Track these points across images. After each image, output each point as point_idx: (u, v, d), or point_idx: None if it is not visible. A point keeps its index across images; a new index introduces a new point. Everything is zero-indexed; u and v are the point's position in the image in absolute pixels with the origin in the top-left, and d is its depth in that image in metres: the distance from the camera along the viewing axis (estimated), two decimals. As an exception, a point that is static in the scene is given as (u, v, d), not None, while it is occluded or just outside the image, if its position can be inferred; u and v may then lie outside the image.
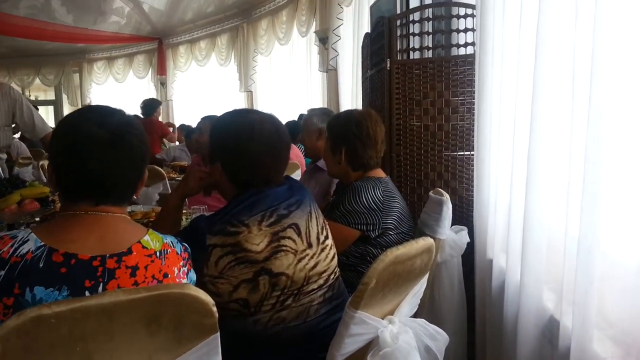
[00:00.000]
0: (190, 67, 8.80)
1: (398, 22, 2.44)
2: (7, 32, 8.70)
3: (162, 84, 9.14)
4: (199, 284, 1.29)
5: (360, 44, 4.45)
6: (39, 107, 7.24)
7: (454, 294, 1.94)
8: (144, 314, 0.80)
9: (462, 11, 2.36)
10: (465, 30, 2.35)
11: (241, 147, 1.36)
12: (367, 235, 1.83)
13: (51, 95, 11.53)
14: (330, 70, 5.17)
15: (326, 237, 1.45)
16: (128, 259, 1.01)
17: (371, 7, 2.94)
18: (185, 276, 1.13)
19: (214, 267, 1.29)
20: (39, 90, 11.73)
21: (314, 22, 5.56)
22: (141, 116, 6.33)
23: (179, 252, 1.13)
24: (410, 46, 2.45)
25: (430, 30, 2.42)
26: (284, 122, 4.65)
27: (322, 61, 5.36)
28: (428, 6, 2.41)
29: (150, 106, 6.33)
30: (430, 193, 1.99)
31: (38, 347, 0.74)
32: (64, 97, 10.74)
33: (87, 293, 0.95)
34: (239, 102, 7.74)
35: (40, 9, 7.81)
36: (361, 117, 1.95)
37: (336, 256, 1.47)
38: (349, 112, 2.05)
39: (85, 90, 10.42)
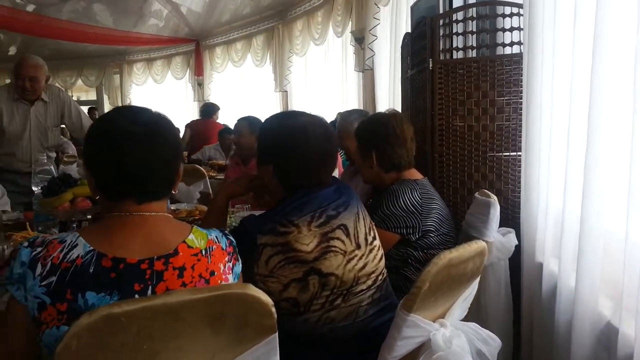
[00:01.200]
0: (227, 68, 8.92)
1: (441, 22, 2.40)
2: (51, 35, 9.03)
3: (199, 85, 9.30)
4: (250, 282, 1.32)
5: (398, 43, 4.43)
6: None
7: (500, 298, 1.90)
8: (208, 313, 0.82)
9: (507, 10, 2.31)
10: (511, 29, 2.30)
11: (294, 149, 1.38)
12: (408, 238, 1.82)
13: (92, 96, 11.90)
14: (366, 70, 5.15)
15: (374, 238, 1.45)
16: (175, 260, 1.02)
17: (412, 7, 2.91)
18: (231, 271, 1.13)
19: (264, 266, 1.31)
20: (80, 90, 12.11)
21: (350, 22, 5.54)
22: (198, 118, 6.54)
23: (224, 247, 1.13)
24: (454, 46, 2.41)
25: (474, 30, 2.38)
26: None
27: (358, 61, 5.34)
28: (472, 5, 2.37)
29: (210, 109, 6.57)
30: (476, 194, 1.96)
31: (109, 344, 0.76)
32: (105, 97, 11.06)
33: (136, 297, 0.97)
34: (274, 102, 7.81)
35: (82, 12, 8.07)
36: (386, 119, 1.95)
37: (384, 257, 1.47)
38: (373, 116, 2.07)
39: (125, 90, 10.71)
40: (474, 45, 2.39)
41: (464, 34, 2.39)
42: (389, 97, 4.51)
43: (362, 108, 5.34)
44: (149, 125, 1.05)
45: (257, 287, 1.30)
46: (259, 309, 0.86)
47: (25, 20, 8.24)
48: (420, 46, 2.62)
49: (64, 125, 3.43)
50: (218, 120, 6.67)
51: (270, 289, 1.31)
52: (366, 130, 1.96)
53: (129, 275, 0.97)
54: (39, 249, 0.98)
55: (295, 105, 7.52)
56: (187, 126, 6.53)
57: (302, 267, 1.30)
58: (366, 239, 1.41)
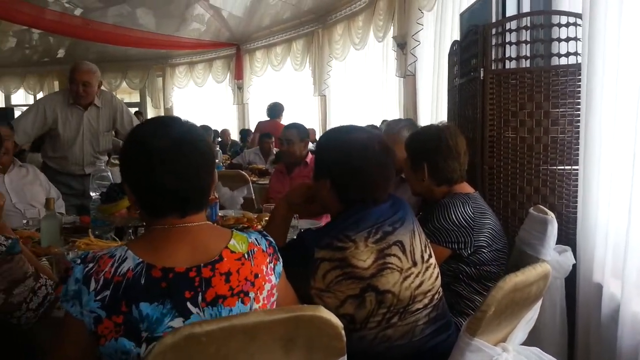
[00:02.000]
0: (266, 72, 9.03)
1: (493, 31, 2.36)
2: (97, 39, 9.35)
3: (239, 88, 9.44)
4: (306, 295, 1.33)
5: (443, 50, 4.38)
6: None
7: (555, 319, 1.85)
8: (282, 334, 0.83)
9: (563, 20, 2.25)
10: (567, 39, 2.23)
11: (354, 166, 1.38)
12: (459, 253, 1.79)
13: (136, 98, 12.23)
14: (408, 75, 5.11)
15: (430, 256, 1.43)
16: (220, 265, 1.05)
17: (461, 15, 2.87)
18: (273, 271, 1.15)
19: (321, 281, 1.32)
20: (124, 92, 12.46)
21: (392, 27, 5.51)
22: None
23: (265, 249, 1.15)
24: (506, 55, 2.36)
25: (528, 39, 2.33)
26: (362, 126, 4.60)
27: (399, 66, 5.31)
28: (526, 14, 2.32)
29: (275, 109, 6.47)
30: (531, 210, 1.91)
31: (189, 363, 0.78)
32: (148, 99, 11.35)
33: (188, 304, 1.00)
34: (313, 106, 7.84)
35: (127, 16, 8.32)
36: (439, 131, 1.92)
37: (439, 276, 1.45)
38: (426, 128, 2.03)
39: (167, 93, 10.97)
40: (528, 55, 2.33)
41: (517, 43, 2.34)
42: (432, 104, 4.45)
43: (403, 114, 5.31)
44: (179, 139, 1.06)
45: (313, 301, 1.33)
46: (329, 331, 0.87)
47: (73, 25, 8.55)
48: (470, 55, 2.58)
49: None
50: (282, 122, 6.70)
51: (327, 304, 1.31)
52: (418, 142, 1.94)
53: (179, 284, 1.00)
54: (91, 265, 1.01)
55: (334, 110, 7.53)
56: (256, 128, 6.51)
57: (359, 283, 1.30)
58: (422, 257, 1.39)
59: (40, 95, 12.40)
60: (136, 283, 0.99)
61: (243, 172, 4.22)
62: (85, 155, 3.33)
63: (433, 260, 1.43)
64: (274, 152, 5.89)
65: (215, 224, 2.40)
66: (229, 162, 6.29)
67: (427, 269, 1.39)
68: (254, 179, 4.72)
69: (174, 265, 1.02)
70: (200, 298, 1.01)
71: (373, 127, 5.25)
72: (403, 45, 5.12)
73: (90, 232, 1.90)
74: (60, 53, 11.35)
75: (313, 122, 7.55)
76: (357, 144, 1.40)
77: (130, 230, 2.11)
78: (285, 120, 6.88)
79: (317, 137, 7.56)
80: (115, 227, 2.19)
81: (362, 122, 6.17)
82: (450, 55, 3.04)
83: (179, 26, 8.92)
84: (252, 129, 8.63)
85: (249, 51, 9.35)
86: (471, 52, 2.54)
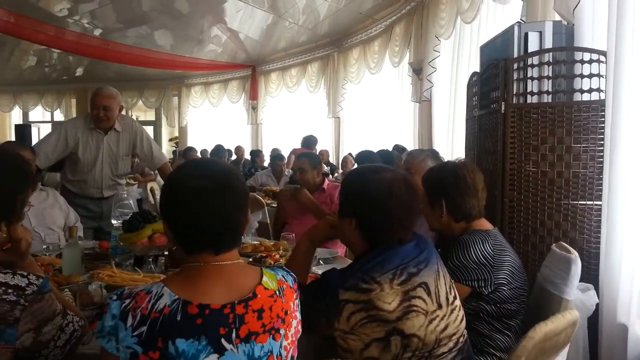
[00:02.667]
0: (281, 93, 9.12)
1: (515, 66, 2.37)
2: (115, 59, 9.53)
3: (254, 109, 9.54)
4: (329, 337, 1.32)
5: (460, 77, 4.41)
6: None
7: (579, 360, 1.81)
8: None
9: (586, 56, 2.25)
10: (590, 75, 2.23)
11: (379, 207, 1.38)
12: (479, 291, 1.77)
13: (151, 116, 12.40)
14: (423, 101, 5.13)
15: (455, 298, 1.42)
16: (254, 302, 1.07)
17: (481, 48, 2.89)
18: (297, 308, 1.17)
19: (345, 323, 1.31)
20: (139, 111, 12.66)
21: (408, 53, 5.56)
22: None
23: (292, 285, 1.18)
24: (528, 90, 2.37)
25: (550, 75, 2.33)
26: (375, 151, 4.62)
27: (415, 91, 5.34)
28: (548, 50, 2.32)
29: (310, 141, 6.81)
30: (554, 247, 1.89)
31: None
32: (163, 118, 11.50)
33: (222, 340, 1.02)
34: (327, 128, 7.88)
35: (145, 37, 8.48)
36: (456, 168, 1.90)
37: (464, 318, 1.43)
38: (443, 165, 2.02)
39: (182, 112, 11.11)
40: (550, 90, 2.33)
41: (539, 78, 2.34)
42: (448, 132, 4.46)
43: (417, 139, 5.32)
44: (218, 180, 1.10)
45: (337, 343, 1.32)
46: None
47: (92, 45, 8.73)
48: (490, 88, 2.59)
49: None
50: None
51: (351, 347, 1.30)
52: (436, 178, 1.93)
53: (214, 321, 1.03)
54: (127, 301, 1.03)
55: (348, 132, 7.56)
56: (292, 153, 6.64)
57: (384, 326, 1.29)
58: (447, 299, 1.38)
59: (57, 113, 12.65)
60: (172, 319, 1.01)
61: (258, 196, 4.23)
62: (104, 179, 3.36)
63: (458, 302, 1.42)
64: (286, 174, 5.92)
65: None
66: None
67: (452, 311, 1.38)
68: (268, 202, 4.73)
69: (209, 302, 1.04)
70: (234, 335, 1.03)
71: (396, 147, 5.27)
72: (419, 70, 5.16)
73: (113, 265, 1.90)
74: (79, 71, 11.57)
75: (327, 144, 7.59)
76: (382, 184, 1.40)
77: (151, 259, 2.12)
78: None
79: (330, 159, 7.62)
80: (135, 255, 2.21)
81: (375, 145, 6.20)
82: (469, 86, 3.05)
83: (196, 47, 9.08)
84: (265, 149, 8.72)
85: (264, 72, 9.47)
86: (491, 85, 2.55)
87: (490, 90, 2.59)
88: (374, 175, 1.43)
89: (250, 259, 2.33)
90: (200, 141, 10.53)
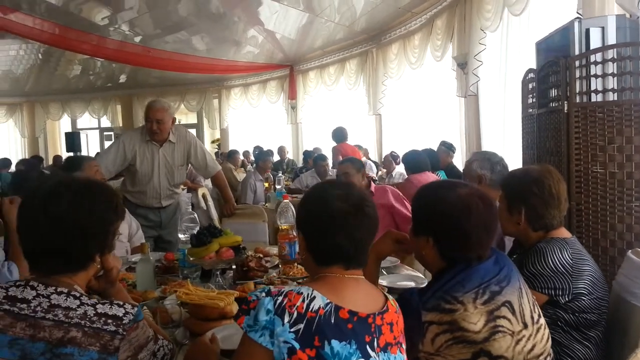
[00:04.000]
0: (319, 91, 9.12)
1: (577, 63, 2.29)
2: (156, 65, 9.77)
3: (293, 108, 9.59)
4: (413, 358, 1.32)
5: (509, 71, 4.30)
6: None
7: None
8: None
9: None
10: (660, 70, 2.14)
11: (459, 225, 1.36)
12: (556, 300, 1.72)
13: (192, 119, 12.66)
14: (470, 95, 5.03)
15: (539, 316, 1.39)
16: (387, 316, 1.17)
17: (537, 44, 2.80)
18: None
19: (430, 345, 1.30)
20: (181, 114, 12.94)
21: (451, 46, 5.46)
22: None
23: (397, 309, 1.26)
24: (592, 88, 2.29)
25: (615, 72, 2.24)
26: (420, 149, 4.54)
27: (460, 86, 5.24)
28: (612, 46, 2.23)
29: (340, 133, 6.70)
30: (630, 254, 1.81)
31: None
32: (205, 120, 11.72)
33: (367, 347, 1.11)
34: (369, 125, 7.84)
35: (184, 42, 8.64)
36: (541, 176, 1.82)
37: (550, 337, 1.41)
38: (526, 170, 1.95)
39: (223, 114, 11.29)
40: (615, 87, 2.25)
41: (603, 76, 2.26)
42: (498, 127, 4.36)
43: (464, 134, 5.22)
44: (357, 205, 1.20)
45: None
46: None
47: (133, 52, 8.97)
48: (548, 85, 2.52)
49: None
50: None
51: (436, 368, 1.30)
52: (518, 185, 1.86)
53: (361, 328, 1.12)
54: (280, 298, 1.10)
55: (390, 128, 7.49)
56: (336, 152, 6.65)
57: (470, 347, 1.28)
58: (532, 317, 1.36)
59: (104, 119, 13.08)
60: (327, 321, 1.09)
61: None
62: (162, 189, 3.46)
63: (543, 320, 1.39)
64: (330, 174, 5.93)
65: (296, 262, 2.45)
66: (287, 185, 6.38)
67: (537, 330, 1.35)
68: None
69: (358, 309, 1.13)
70: (375, 343, 1.13)
71: (443, 143, 5.19)
72: (464, 64, 5.05)
73: (189, 283, 1.94)
74: (122, 78, 11.93)
75: (369, 141, 7.55)
76: (460, 202, 1.38)
77: (218, 272, 2.17)
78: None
79: (373, 157, 7.57)
80: (202, 269, 2.26)
81: (419, 141, 6.13)
82: (524, 82, 2.97)
83: (234, 50, 9.20)
84: (307, 148, 8.75)
85: (302, 71, 9.49)
86: (550, 83, 2.48)
87: (549, 88, 2.52)
88: (450, 192, 1.42)
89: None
90: (242, 142, 10.69)
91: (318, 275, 1.21)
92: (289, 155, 9.28)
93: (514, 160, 3.38)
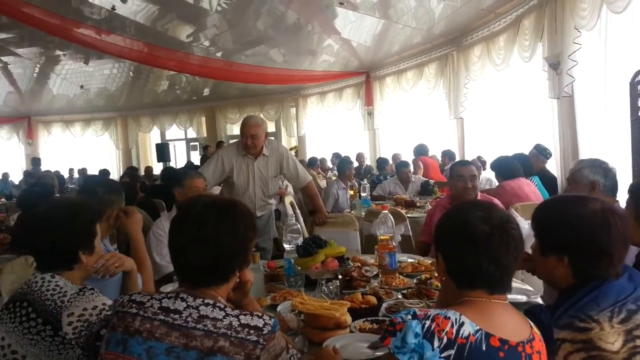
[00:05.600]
0: (396, 96, 9.06)
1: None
2: (239, 79, 10.20)
3: (369, 114, 9.60)
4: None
5: (609, 71, 4.06)
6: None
7: None
8: None
9: None
10: None
11: (599, 241, 1.32)
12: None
13: (271, 128, 12.99)
14: (564, 97, 4.79)
15: (682, 337, 1.31)
16: (535, 344, 1.14)
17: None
18: None
19: (562, 362, 1.27)
20: (259, 123, 13.35)
21: (541, 46, 5.23)
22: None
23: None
24: None
25: None
26: (509, 155, 4.37)
27: (552, 87, 5.00)
28: None
29: (421, 148, 7.04)
30: None
31: None
32: (282, 129, 12.04)
33: None
34: (450, 129, 7.67)
35: (263, 55, 8.95)
36: None
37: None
38: None
39: (300, 122, 11.54)
40: None
41: None
42: (597, 130, 4.11)
43: (558, 138, 4.98)
44: (501, 226, 1.17)
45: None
46: None
47: (216, 67, 9.41)
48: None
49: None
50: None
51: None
52: None
53: (512, 357, 1.10)
54: (428, 322, 1.10)
55: (473, 132, 7.29)
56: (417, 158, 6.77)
57: (608, 367, 1.23)
58: (674, 338, 1.28)
59: (190, 130, 13.83)
60: (478, 348, 1.08)
61: (400, 210, 4.23)
62: (257, 200, 3.62)
63: (686, 341, 1.31)
64: (413, 180, 5.87)
65: (397, 272, 2.47)
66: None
67: (680, 352, 1.27)
68: (403, 211, 4.72)
69: (507, 337, 1.11)
70: None
71: (537, 147, 4.99)
72: (556, 65, 4.82)
73: (303, 293, 2.02)
74: (206, 91, 12.57)
75: (450, 146, 7.40)
76: (596, 217, 1.33)
77: (323, 282, 2.23)
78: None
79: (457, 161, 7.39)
80: (306, 278, 2.34)
81: (504, 146, 5.92)
82: (632, 85, 2.81)
83: (310, 60, 9.39)
84: (383, 154, 8.73)
85: (379, 78, 9.49)
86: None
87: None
88: (581, 207, 1.36)
89: (415, 281, 2.35)
90: (318, 149, 10.86)
91: (461, 299, 1.19)
92: (367, 162, 9.29)
93: (619, 166, 3.18)
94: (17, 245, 3.71)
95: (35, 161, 11.96)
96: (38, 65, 9.82)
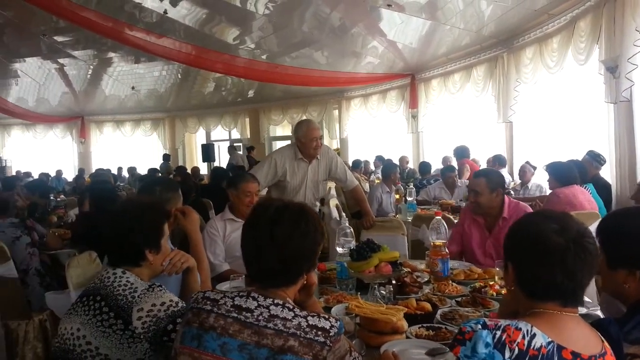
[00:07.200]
0: (442, 99, 8.93)
1: None
2: (283, 81, 10.32)
3: (413, 117, 9.50)
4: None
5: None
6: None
7: None
8: None
9: None
10: None
11: None
12: None
13: (313, 130, 13.13)
14: (622, 101, 4.60)
15: None
16: (607, 359, 1.13)
17: None
18: None
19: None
20: (302, 125, 13.47)
21: (597, 49, 5.05)
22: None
23: None
24: None
25: None
26: (564, 160, 4.21)
27: (609, 91, 4.81)
28: None
29: (463, 150, 6.95)
30: None
31: None
32: (325, 131, 12.09)
33: None
34: (498, 133, 7.51)
35: (307, 56, 9.01)
36: None
37: None
38: None
39: (342, 124, 11.56)
40: None
41: None
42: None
43: (615, 143, 4.79)
44: (577, 240, 1.15)
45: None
46: None
47: (261, 70, 9.56)
48: None
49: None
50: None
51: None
52: None
53: None
54: (498, 333, 1.10)
55: (521, 137, 7.11)
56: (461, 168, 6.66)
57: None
58: None
59: (234, 131, 14.11)
60: None
61: (438, 217, 4.16)
62: (307, 202, 3.66)
63: None
64: (459, 185, 5.79)
65: (449, 279, 2.45)
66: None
67: None
68: (448, 216, 4.65)
69: (579, 350, 1.10)
70: None
71: (591, 153, 4.83)
72: (614, 69, 4.64)
73: (359, 297, 2.03)
74: (250, 93, 12.78)
75: (499, 150, 7.23)
76: None
77: (376, 286, 2.24)
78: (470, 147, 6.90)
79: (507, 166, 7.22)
80: (358, 281, 2.35)
81: (557, 151, 5.74)
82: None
83: (354, 62, 9.38)
84: (427, 158, 8.64)
85: (424, 80, 9.36)
86: None
87: None
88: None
89: (469, 288, 2.32)
90: (360, 152, 10.84)
91: (532, 310, 1.17)
92: (410, 165, 9.20)
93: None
94: (77, 240, 3.90)
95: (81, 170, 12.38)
96: (91, 67, 10.27)
